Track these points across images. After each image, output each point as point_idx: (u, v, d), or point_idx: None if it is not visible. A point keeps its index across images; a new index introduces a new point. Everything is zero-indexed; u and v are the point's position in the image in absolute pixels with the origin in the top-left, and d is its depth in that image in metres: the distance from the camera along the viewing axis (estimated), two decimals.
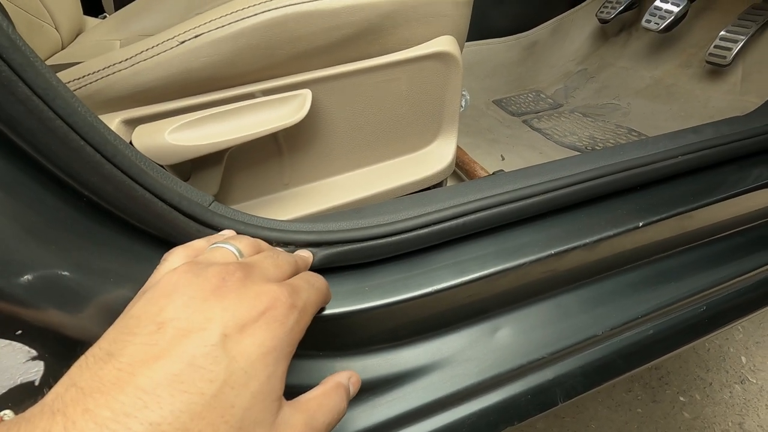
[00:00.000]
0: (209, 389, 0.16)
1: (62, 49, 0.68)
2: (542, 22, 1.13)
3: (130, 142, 0.34)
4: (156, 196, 0.26)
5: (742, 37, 0.82)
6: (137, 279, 0.23)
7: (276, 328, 0.18)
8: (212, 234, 0.27)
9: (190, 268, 0.19)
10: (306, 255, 0.30)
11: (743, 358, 0.80)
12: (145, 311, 0.18)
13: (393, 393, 0.34)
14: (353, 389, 0.24)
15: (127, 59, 0.33)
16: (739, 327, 0.85)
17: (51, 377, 0.21)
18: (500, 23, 1.11)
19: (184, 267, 0.20)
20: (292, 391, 0.31)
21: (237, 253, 0.22)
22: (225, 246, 0.23)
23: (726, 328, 0.48)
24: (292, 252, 0.30)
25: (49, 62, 0.63)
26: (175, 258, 0.23)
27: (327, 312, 0.31)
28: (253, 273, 0.20)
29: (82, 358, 0.17)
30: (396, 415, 0.33)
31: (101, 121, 0.24)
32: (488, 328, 0.38)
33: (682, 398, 0.75)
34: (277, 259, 0.23)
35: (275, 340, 0.18)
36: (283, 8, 0.33)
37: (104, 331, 0.20)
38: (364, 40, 0.38)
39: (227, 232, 0.28)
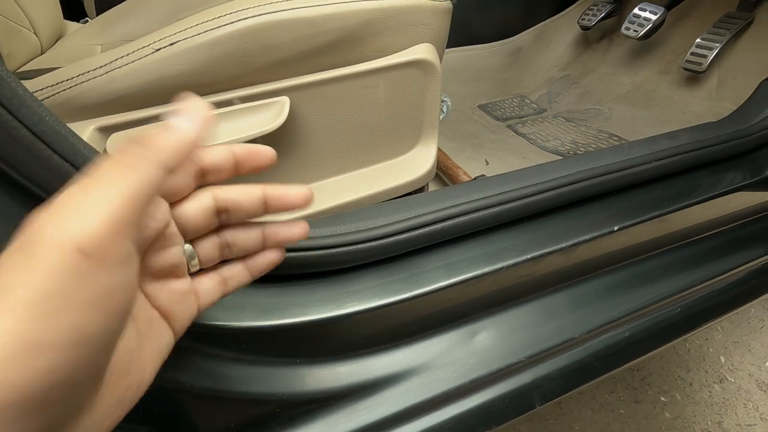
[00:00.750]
0: None
1: (42, 53, 0.67)
2: (526, 29, 1.15)
3: (105, 150, 0.34)
4: None
5: (717, 45, 0.84)
6: None
7: None
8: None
9: None
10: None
11: (722, 358, 0.82)
12: None
13: (371, 399, 0.34)
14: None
15: (101, 66, 0.33)
16: (718, 327, 0.87)
17: None
18: (485, 29, 1.13)
19: None
20: (269, 398, 0.31)
21: None
22: None
23: (700, 329, 0.49)
24: None
25: (27, 67, 0.62)
26: None
27: (304, 318, 0.31)
28: None
29: None
30: (374, 421, 0.33)
31: (71, 129, 0.24)
32: (466, 333, 0.39)
33: (663, 398, 0.76)
34: None
35: None
36: (259, 17, 0.33)
37: None
38: (341, 48, 0.38)
39: None
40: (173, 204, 0.20)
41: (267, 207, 0.22)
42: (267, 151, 0.22)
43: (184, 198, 0.21)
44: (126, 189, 0.15)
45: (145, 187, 0.15)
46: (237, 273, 0.24)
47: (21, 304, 0.13)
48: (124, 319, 0.16)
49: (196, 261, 0.22)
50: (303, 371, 0.32)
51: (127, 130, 0.34)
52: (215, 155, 0.21)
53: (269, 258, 0.24)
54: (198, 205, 0.20)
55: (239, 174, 0.22)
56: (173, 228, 0.20)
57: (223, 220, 0.22)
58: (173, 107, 0.19)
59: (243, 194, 0.21)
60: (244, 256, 0.24)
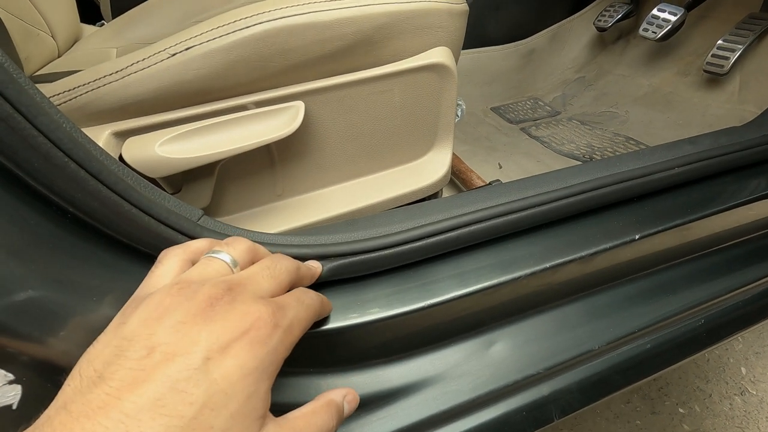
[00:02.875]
0: (188, 412, 0.16)
1: (59, 56, 0.68)
2: (540, 30, 1.14)
3: (120, 155, 0.34)
4: (143, 211, 0.25)
5: (740, 46, 0.82)
6: (121, 297, 0.22)
7: (258, 349, 0.19)
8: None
9: (181, 290, 0.20)
10: (314, 265, 0.29)
11: (743, 369, 0.80)
12: (138, 334, 0.18)
13: (385, 410, 0.33)
14: (348, 408, 0.24)
15: (117, 71, 0.33)
16: (739, 338, 0.85)
17: (29, 401, 0.20)
18: (499, 31, 1.11)
19: (176, 289, 0.20)
20: (281, 409, 0.30)
21: (231, 264, 0.22)
22: (219, 257, 0.22)
23: (724, 341, 0.47)
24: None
25: (44, 70, 0.63)
26: (171, 261, 0.23)
27: (318, 328, 0.30)
28: (244, 292, 0.20)
29: (75, 377, 0.17)
30: None
31: (87, 136, 0.24)
32: (483, 343, 0.38)
33: (681, 410, 0.74)
34: (274, 269, 0.23)
35: (256, 360, 0.19)
36: (276, 21, 0.33)
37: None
38: (357, 51, 0.38)
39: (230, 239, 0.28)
40: None
41: None
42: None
43: None
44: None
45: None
46: None
47: None
48: None
49: None
50: (316, 381, 0.32)
51: (143, 135, 0.34)
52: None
53: None
54: None
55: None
56: None
57: None
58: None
59: None
60: None
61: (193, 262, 0.23)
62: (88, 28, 0.79)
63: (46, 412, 0.16)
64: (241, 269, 0.23)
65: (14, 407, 0.20)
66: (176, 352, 0.17)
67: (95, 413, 0.15)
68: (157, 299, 0.19)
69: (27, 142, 0.20)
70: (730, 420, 0.73)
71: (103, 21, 0.85)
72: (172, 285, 0.20)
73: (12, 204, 0.21)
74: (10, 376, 0.19)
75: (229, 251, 0.23)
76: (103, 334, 0.19)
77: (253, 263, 0.23)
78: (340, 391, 0.24)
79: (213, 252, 0.23)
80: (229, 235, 0.28)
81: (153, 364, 0.17)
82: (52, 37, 0.65)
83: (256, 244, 0.25)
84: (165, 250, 0.24)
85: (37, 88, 0.22)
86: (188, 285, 0.20)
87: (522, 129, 0.96)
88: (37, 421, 0.16)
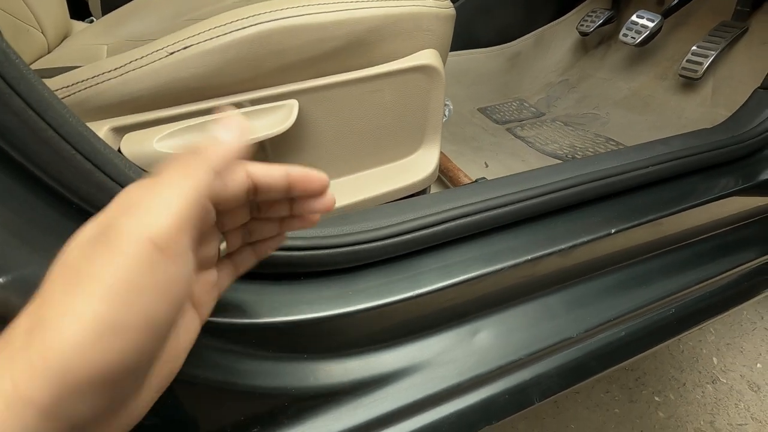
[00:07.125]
0: None
1: (48, 52, 0.68)
2: (525, 34, 1.17)
3: (119, 150, 0.35)
4: None
5: (713, 53, 0.86)
6: None
7: None
8: None
9: None
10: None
11: (715, 359, 0.84)
12: None
13: (375, 394, 0.35)
14: None
15: (116, 68, 0.34)
16: (711, 329, 0.89)
17: None
18: (486, 34, 1.14)
19: None
20: (280, 393, 0.32)
21: None
22: None
23: (694, 329, 0.50)
24: None
25: (34, 66, 0.63)
26: None
27: (312, 315, 0.32)
28: None
29: None
30: (378, 415, 0.34)
31: (91, 130, 0.25)
32: (468, 331, 0.40)
33: (657, 398, 0.78)
34: None
35: None
36: (271, 22, 0.34)
37: None
38: (349, 53, 0.39)
39: None
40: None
41: (290, 188, 0.22)
42: (320, 178, 0.22)
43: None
44: (187, 190, 0.17)
45: (201, 189, 0.17)
46: (246, 259, 0.25)
47: (104, 290, 0.14)
48: (181, 307, 0.17)
49: (224, 247, 0.23)
50: (311, 366, 0.33)
51: (141, 131, 0.35)
52: (270, 174, 0.21)
53: (278, 242, 0.26)
54: (235, 183, 0.20)
55: (289, 196, 0.23)
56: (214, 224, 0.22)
57: (250, 199, 0.22)
58: (214, 117, 0.21)
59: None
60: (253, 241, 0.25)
61: None
62: (78, 25, 0.78)
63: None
64: None
65: None
66: None
67: None
68: None
69: (37, 135, 0.21)
70: (703, 407, 0.77)
71: (92, 18, 0.85)
72: None
73: (20, 193, 0.22)
74: None
75: None
76: None
77: None
78: None
79: None
80: None
81: None
82: (41, 32, 0.65)
83: None
84: None
85: (45, 84, 0.23)
86: None
87: (508, 129, 0.98)
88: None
